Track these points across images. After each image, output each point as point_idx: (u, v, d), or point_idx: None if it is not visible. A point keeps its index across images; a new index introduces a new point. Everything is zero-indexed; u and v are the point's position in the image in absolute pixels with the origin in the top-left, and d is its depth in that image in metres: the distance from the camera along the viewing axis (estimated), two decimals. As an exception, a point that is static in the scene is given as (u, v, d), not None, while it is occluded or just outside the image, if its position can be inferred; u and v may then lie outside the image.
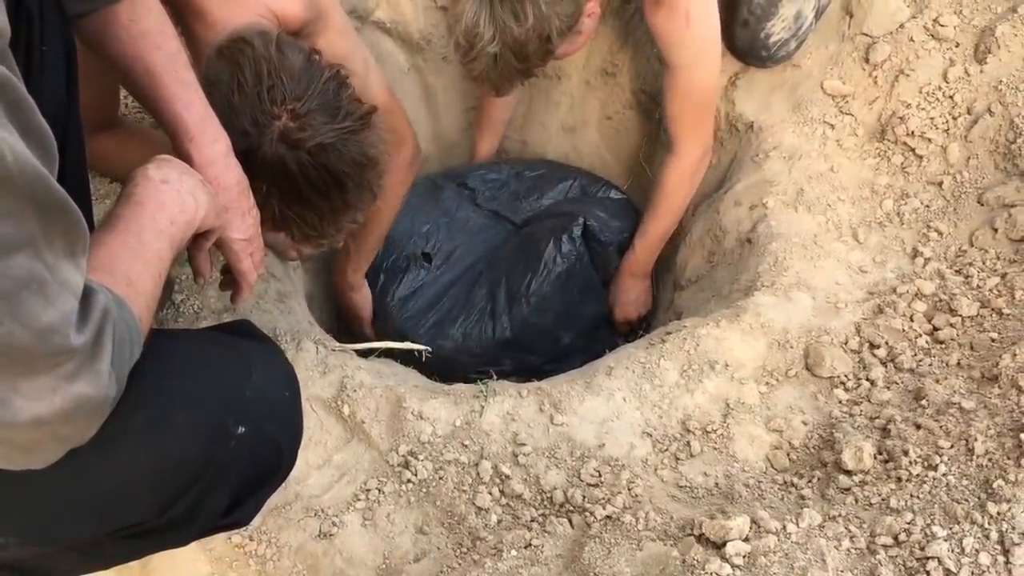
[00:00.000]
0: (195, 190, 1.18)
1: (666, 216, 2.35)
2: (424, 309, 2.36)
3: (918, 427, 1.58)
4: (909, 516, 1.40)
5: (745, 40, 2.22)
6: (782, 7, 2.14)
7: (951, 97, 2.13)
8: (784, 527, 1.40)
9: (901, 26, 2.22)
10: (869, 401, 1.71)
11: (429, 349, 2.11)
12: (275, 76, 1.38)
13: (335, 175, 1.43)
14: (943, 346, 1.78)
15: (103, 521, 1.11)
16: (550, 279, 2.38)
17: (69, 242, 0.79)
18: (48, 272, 0.76)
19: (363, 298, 2.41)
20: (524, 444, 1.65)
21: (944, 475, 1.47)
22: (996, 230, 1.92)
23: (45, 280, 0.76)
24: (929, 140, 2.11)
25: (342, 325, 2.44)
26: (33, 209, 0.73)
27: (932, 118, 2.12)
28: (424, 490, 1.59)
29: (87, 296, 0.84)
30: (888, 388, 1.72)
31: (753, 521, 1.42)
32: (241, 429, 1.15)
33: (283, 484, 1.35)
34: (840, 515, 1.45)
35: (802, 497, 1.56)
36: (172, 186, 1.15)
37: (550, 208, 2.55)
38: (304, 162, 1.40)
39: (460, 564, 1.50)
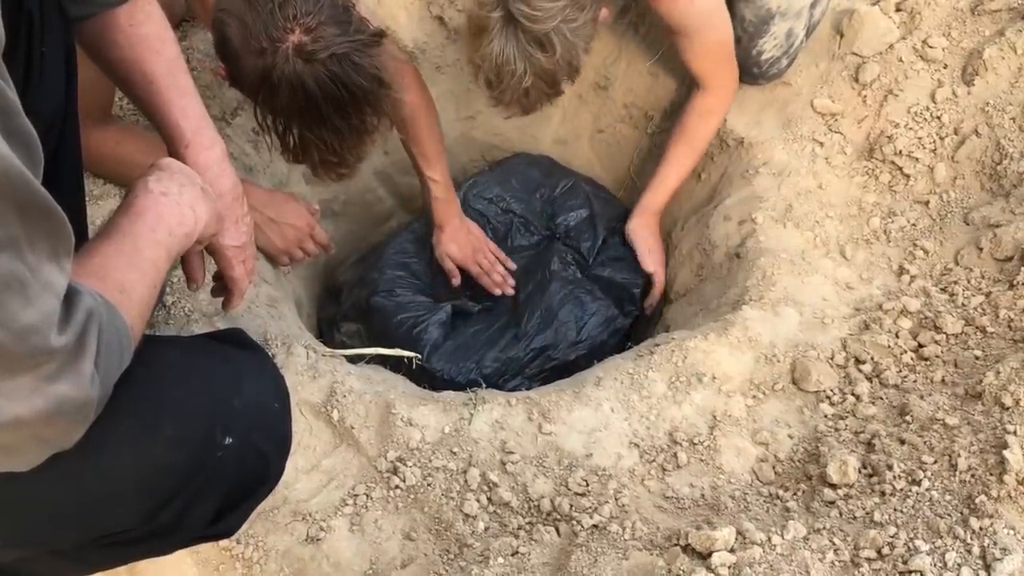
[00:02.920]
0: (195, 202, 1.18)
1: (692, 151, 2.32)
2: (461, 352, 2.29)
3: (902, 442, 1.59)
4: (893, 530, 1.42)
5: (737, 57, 2.25)
6: (773, 25, 2.16)
7: (939, 118, 2.16)
8: (769, 539, 1.41)
9: (891, 47, 2.25)
10: (854, 416, 1.73)
11: (419, 356, 2.12)
12: None
13: (351, 89, 1.47)
14: (928, 363, 1.80)
15: (87, 527, 1.10)
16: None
17: (52, 244, 0.79)
18: (29, 273, 0.75)
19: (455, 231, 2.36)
20: (512, 452, 1.66)
21: (927, 490, 1.48)
22: (981, 249, 1.94)
23: (26, 280, 0.75)
24: (916, 160, 2.14)
25: (325, 324, 2.44)
26: (15, 210, 0.73)
27: (920, 138, 2.15)
28: (412, 496, 1.59)
29: (71, 298, 0.83)
30: (873, 403, 1.74)
31: (739, 532, 1.43)
32: (229, 439, 1.15)
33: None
34: (824, 528, 1.46)
35: (787, 509, 1.57)
36: (172, 198, 1.15)
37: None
38: (321, 77, 1.44)
39: (447, 570, 1.50)
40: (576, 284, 2.41)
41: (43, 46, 1.07)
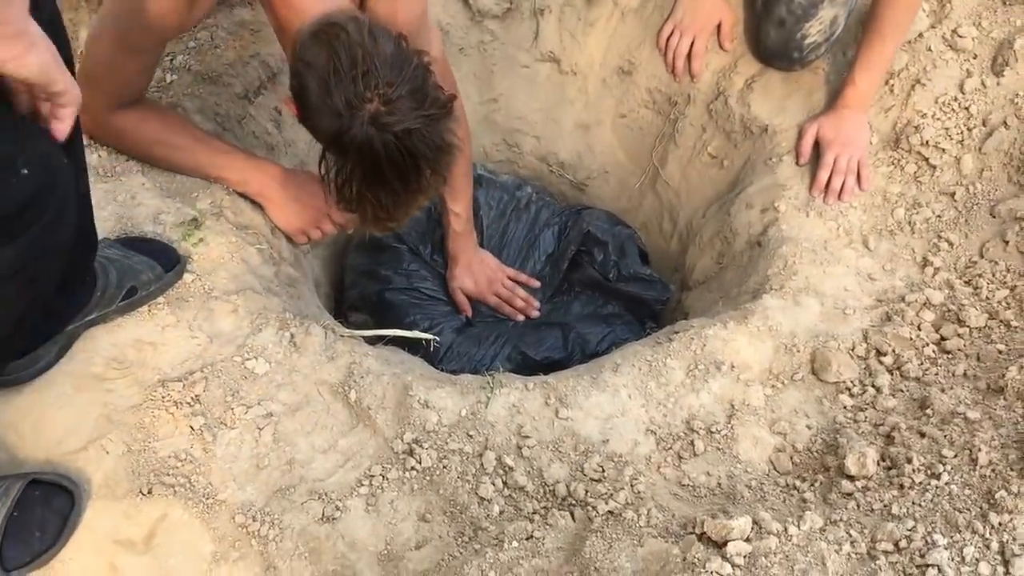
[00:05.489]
0: None
1: (895, 34, 2.10)
2: (474, 353, 2.29)
3: (922, 435, 1.58)
4: (911, 523, 1.41)
5: (778, 40, 2.21)
6: (822, 9, 2.13)
7: (967, 108, 2.13)
8: (785, 529, 1.41)
9: (919, 35, 2.22)
10: (874, 408, 1.72)
11: (437, 339, 2.12)
12: (369, 62, 1.45)
13: (416, 159, 1.51)
14: (950, 356, 1.78)
15: None
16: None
17: None
18: None
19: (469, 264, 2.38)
20: (528, 437, 1.66)
21: (947, 484, 1.47)
22: (1007, 242, 1.92)
23: None
24: (943, 150, 2.11)
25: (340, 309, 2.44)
26: None
27: (947, 128, 2.13)
28: (428, 478, 1.59)
29: None
30: (893, 395, 1.73)
31: (755, 522, 1.42)
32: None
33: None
34: (841, 519, 1.45)
35: (804, 500, 1.56)
36: None
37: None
38: (390, 145, 1.47)
39: (461, 553, 1.50)
40: (599, 300, 2.42)
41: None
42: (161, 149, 1.86)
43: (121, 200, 1.80)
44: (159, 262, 1.67)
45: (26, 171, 1.13)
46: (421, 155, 1.52)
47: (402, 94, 1.47)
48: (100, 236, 1.70)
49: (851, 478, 1.56)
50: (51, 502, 1.41)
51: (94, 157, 1.87)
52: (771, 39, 2.24)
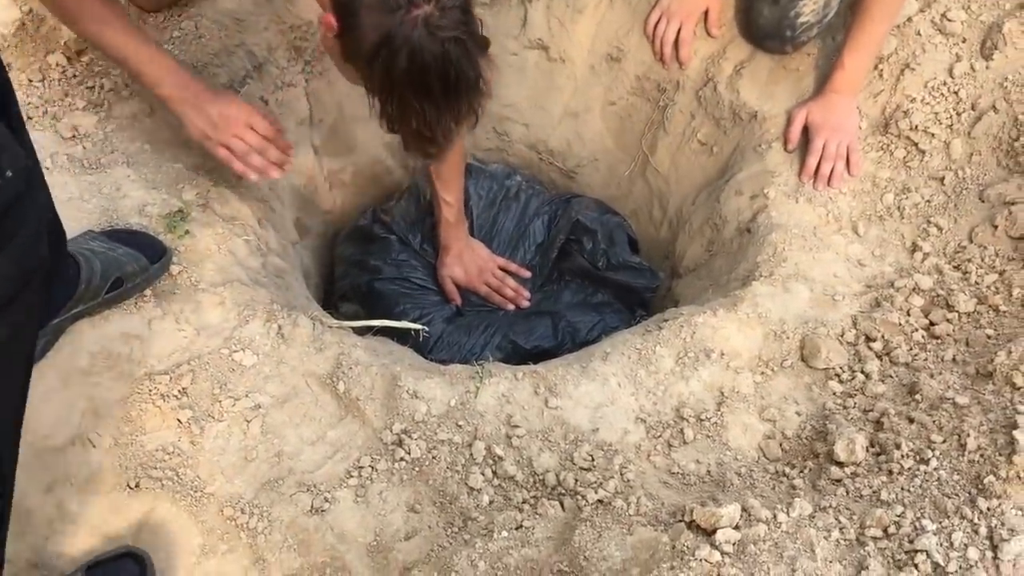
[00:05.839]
0: None
1: (884, 16, 2.09)
2: (464, 342, 2.29)
3: (911, 421, 1.58)
4: (899, 509, 1.41)
5: (772, 18, 2.19)
6: None
7: (956, 93, 2.12)
8: (775, 516, 1.41)
9: (908, 19, 2.21)
10: (863, 394, 1.72)
11: (426, 329, 2.11)
12: None
13: (459, 75, 1.54)
14: (939, 341, 1.78)
15: None
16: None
17: None
18: None
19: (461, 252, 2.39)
20: (518, 426, 1.66)
21: (935, 469, 1.47)
22: (996, 227, 1.92)
23: None
24: (932, 135, 2.11)
25: (332, 301, 2.44)
26: None
27: (936, 113, 2.12)
28: (417, 469, 1.59)
29: None
30: (883, 381, 1.73)
31: (744, 509, 1.42)
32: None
33: None
34: (831, 506, 1.45)
35: (793, 487, 1.56)
36: None
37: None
38: (438, 54, 1.50)
39: (451, 543, 1.50)
40: (588, 289, 2.42)
41: None
42: (97, 26, 1.72)
43: (106, 192, 1.79)
44: (145, 254, 1.66)
45: (10, 173, 1.09)
46: (463, 72, 1.54)
47: (455, 4, 1.51)
48: (85, 228, 1.70)
49: (840, 464, 1.56)
50: (121, 571, 1.40)
51: (79, 149, 1.86)
52: (764, 17, 2.22)
